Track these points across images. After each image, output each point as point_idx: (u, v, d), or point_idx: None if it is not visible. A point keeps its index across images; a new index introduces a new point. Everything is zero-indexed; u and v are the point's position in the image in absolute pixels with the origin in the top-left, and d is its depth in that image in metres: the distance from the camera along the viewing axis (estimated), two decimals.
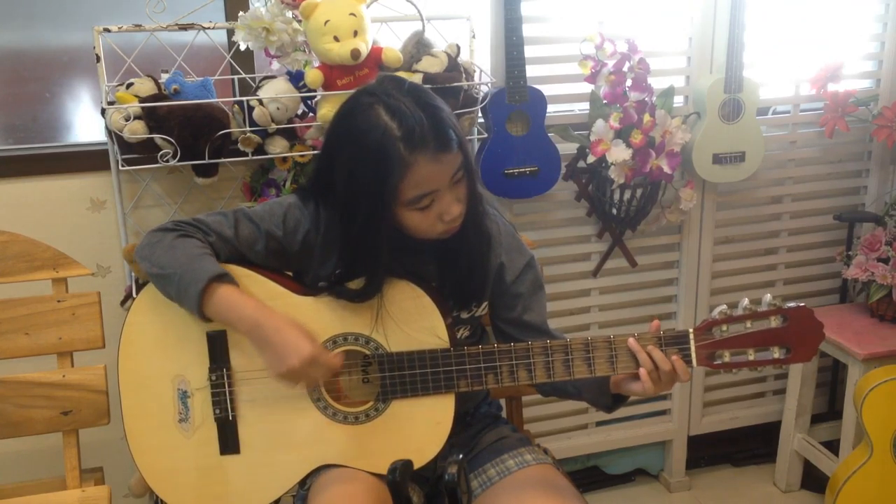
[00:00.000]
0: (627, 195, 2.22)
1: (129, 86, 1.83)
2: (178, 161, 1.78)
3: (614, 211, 2.27)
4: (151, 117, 1.78)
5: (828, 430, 2.63)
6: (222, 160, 1.87)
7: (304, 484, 1.43)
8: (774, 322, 1.33)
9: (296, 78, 1.88)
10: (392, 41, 1.98)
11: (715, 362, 1.34)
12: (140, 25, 1.87)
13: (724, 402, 2.68)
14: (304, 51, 1.89)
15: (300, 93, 1.87)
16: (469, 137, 2.13)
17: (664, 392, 1.37)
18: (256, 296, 1.39)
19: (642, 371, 1.31)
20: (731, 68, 2.23)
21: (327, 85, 1.83)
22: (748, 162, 2.34)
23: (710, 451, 2.72)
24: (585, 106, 2.23)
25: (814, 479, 2.58)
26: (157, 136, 1.78)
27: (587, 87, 2.19)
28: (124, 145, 1.81)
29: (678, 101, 2.33)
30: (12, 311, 1.68)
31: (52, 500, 1.63)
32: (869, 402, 2.15)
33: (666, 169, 2.17)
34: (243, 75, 1.99)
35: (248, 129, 1.84)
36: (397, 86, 1.30)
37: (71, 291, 1.71)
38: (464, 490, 1.24)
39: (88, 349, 1.70)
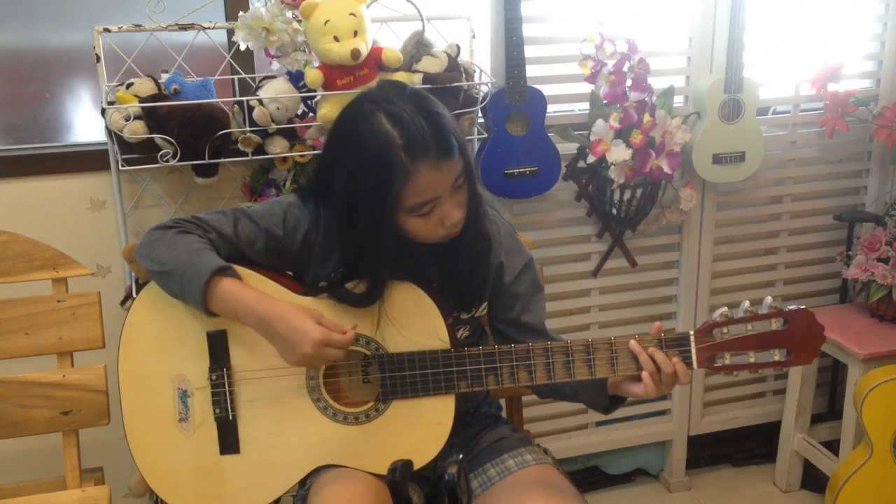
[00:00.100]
0: (627, 195, 2.22)
1: (129, 86, 1.83)
2: (178, 161, 1.78)
3: (614, 211, 2.27)
4: (151, 117, 1.78)
5: (828, 430, 2.63)
6: (222, 160, 1.87)
7: (304, 484, 1.43)
8: (775, 324, 1.33)
9: (296, 78, 1.88)
10: (392, 41, 1.98)
11: (715, 364, 1.34)
12: (140, 25, 1.87)
13: (724, 402, 2.68)
14: (304, 51, 1.89)
15: (300, 93, 1.87)
16: (469, 137, 2.13)
17: (664, 394, 1.37)
18: None
19: (644, 373, 1.31)
20: (731, 68, 2.23)
21: (327, 85, 1.83)
22: (748, 162, 2.34)
23: (710, 451, 2.72)
24: (585, 106, 2.23)
25: (814, 479, 2.58)
26: (157, 136, 1.78)
27: (587, 87, 2.19)
28: (124, 145, 1.81)
29: (678, 101, 2.33)
30: (12, 311, 1.68)
31: (52, 500, 1.63)
32: (869, 402, 2.15)
33: (666, 169, 2.17)
34: (243, 75, 1.99)
35: (248, 129, 1.84)
36: (398, 92, 1.30)
37: (71, 291, 1.71)
38: (464, 490, 1.24)
39: (88, 349, 1.70)
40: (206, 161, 1.82)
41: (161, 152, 1.79)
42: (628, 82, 2.14)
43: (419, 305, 1.38)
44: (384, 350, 1.39)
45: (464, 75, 1.94)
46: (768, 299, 1.33)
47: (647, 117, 2.12)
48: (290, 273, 1.48)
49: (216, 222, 1.40)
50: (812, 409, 2.56)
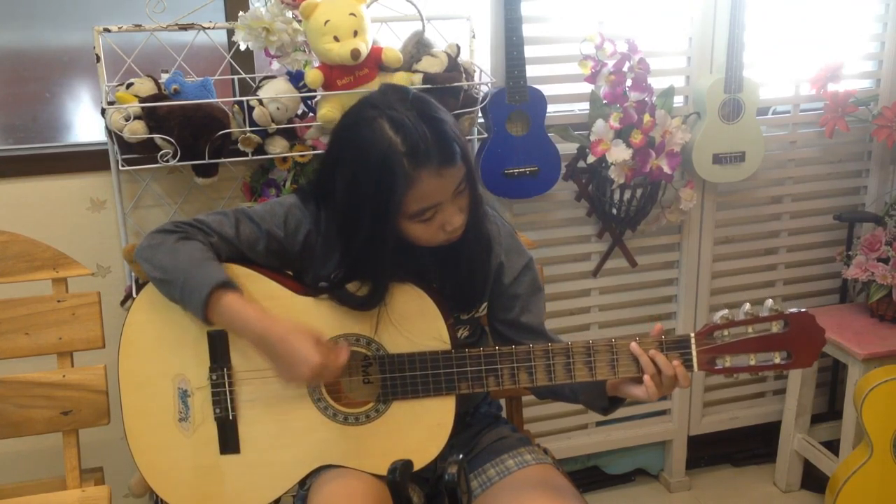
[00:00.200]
0: (627, 195, 2.22)
1: (129, 86, 1.83)
2: (178, 161, 1.78)
3: (614, 211, 2.27)
4: (151, 117, 1.78)
5: (828, 430, 2.63)
6: (222, 160, 1.87)
7: (304, 484, 1.43)
8: (776, 327, 1.33)
9: (296, 78, 1.88)
10: (392, 41, 1.98)
11: (716, 367, 1.34)
12: (140, 25, 1.87)
13: (724, 402, 2.68)
14: (304, 51, 1.89)
15: (300, 93, 1.87)
16: (469, 137, 2.13)
17: (664, 395, 1.37)
18: (257, 295, 1.39)
19: (646, 376, 1.31)
20: (731, 68, 2.23)
21: (327, 85, 1.83)
22: (748, 162, 2.34)
23: (710, 451, 2.72)
24: (585, 106, 2.23)
25: (814, 479, 2.58)
26: (157, 136, 1.78)
27: (587, 87, 2.19)
28: (124, 145, 1.81)
29: (678, 101, 2.33)
30: (12, 311, 1.68)
31: (52, 500, 1.63)
32: (869, 402, 2.15)
33: (666, 169, 2.17)
34: (243, 75, 1.99)
35: (248, 129, 1.84)
36: (401, 98, 1.29)
37: (71, 291, 1.71)
38: (464, 490, 1.24)
39: (88, 349, 1.70)
40: (206, 161, 1.81)
41: (161, 152, 1.79)
42: (628, 82, 2.14)
43: (420, 306, 1.38)
44: (384, 351, 1.39)
45: (464, 75, 1.94)
46: (769, 302, 1.33)
47: (647, 117, 2.12)
48: (290, 273, 1.48)
49: (217, 224, 1.40)
50: (812, 409, 2.56)
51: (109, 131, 1.83)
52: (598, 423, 2.53)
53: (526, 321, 1.50)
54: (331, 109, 1.81)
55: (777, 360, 1.34)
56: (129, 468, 1.52)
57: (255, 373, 1.39)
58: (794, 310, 1.33)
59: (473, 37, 2.06)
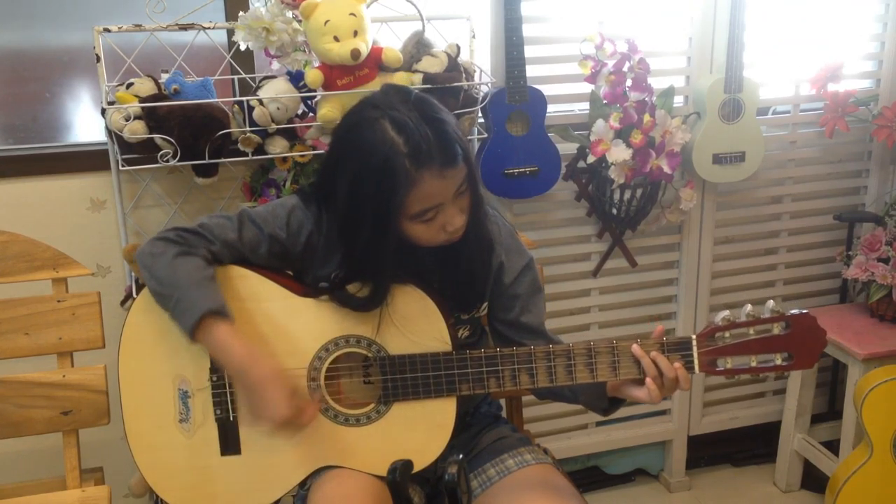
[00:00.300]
0: (627, 195, 2.22)
1: (129, 86, 1.83)
2: (178, 161, 1.78)
3: (614, 211, 2.27)
4: (151, 117, 1.78)
5: (828, 430, 2.63)
6: (222, 160, 1.87)
7: (305, 484, 1.43)
8: (777, 329, 1.33)
9: (296, 78, 1.88)
10: (392, 41, 1.98)
11: (717, 368, 1.34)
12: (140, 25, 1.87)
13: (724, 402, 2.68)
14: (304, 51, 1.89)
15: (300, 93, 1.87)
16: (469, 137, 2.13)
17: (666, 397, 1.37)
18: (258, 297, 1.39)
19: (648, 379, 1.31)
20: (731, 68, 2.23)
21: (327, 85, 1.83)
22: (748, 162, 2.34)
23: (710, 451, 2.72)
24: (585, 106, 2.23)
25: (814, 479, 2.58)
26: (157, 136, 1.78)
27: (587, 87, 2.19)
28: (124, 145, 1.81)
29: (678, 101, 2.33)
30: (12, 311, 1.68)
31: (52, 500, 1.64)
32: (869, 402, 2.15)
33: (666, 169, 2.17)
34: (243, 75, 1.99)
35: (248, 129, 1.84)
36: (403, 98, 1.29)
37: (71, 291, 1.71)
38: (464, 490, 1.24)
39: (88, 349, 1.70)
40: (206, 161, 1.81)
41: (161, 152, 1.79)
42: (628, 82, 2.14)
43: (421, 307, 1.38)
44: (385, 352, 1.39)
45: (464, 75, 1.94)
46: (770, 303, 1.33)
47: (647, 117, 2.12)
48: (290, 273, 1.48)
49: (219, 229, 1.39)
50: (812, 409, 2.56)
51: (109, 131, 1.83)
52: (598, 423, 2.53)
53: (526, 321, 1.49)
54: (331, 109, 1.81)
55: (778, 362, 1.34)
56: (129, 468, 1.52)
57: None
58: (795, 311, 1.33)
59: (473, 37, 2.06)
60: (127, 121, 1.76)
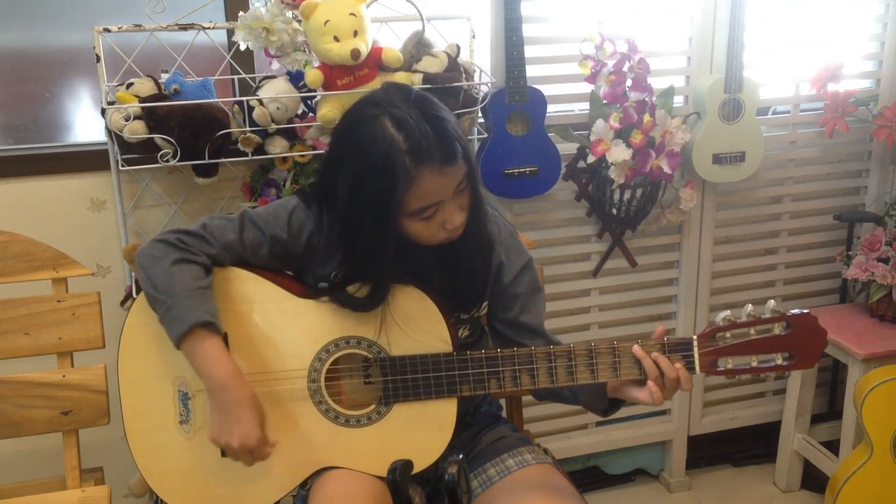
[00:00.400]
0: (627, 195, 2.22)
1: (129, 86, 1.83)
2: (178, 161, 1.78)
3: (614, 211, 2.27)
4: (151, 117, 1.78)
5: (828, 430, 2.63)
6: (222, 160, 1.87)
7: (305, 484, 1.43)
8: (778, 329, 1.33)
9: (296, 78, 1.88)
10: (392, 41, 1.98)
11: (718, 368, 1.34)
12: (140, 25, 1.87)
13: (724, 402, 2.68)
14: (304, 51, 1.89)
15: (300, 93, 1.87)
16: (469, 137, 2.13)
17: (667, 398, 1.36)
18: (258, 299, 1.39)
19: (649, 381, 1.31)
20: (731, 68, 2.23)
21: (327, 85, 1.83)
22: (748, 162, 2.34)
23: (710, 451, 2.72)
24: (585, 106, 2.23)
25: (814, 479, 2.58)
26: (157, 136, 1.78)
27: (587, 87, 2.19)
28: (124, 145, 1.81)
29: (678, 101, 2.33)
30: (12, 311, 1.68)
31: (52, 500, 1.64)
32: (869, 402, 2.15)
33: (666, 169, 2.17)
34: (243, 75, 1.99)
35: (248, 129, 1.84)
36: (403, 96, 1.29)
37: (71, 291, 1.71)
38: (464, 490, 1.24)
39: (88, 349, 1.70)
40: (206, 161, 1.81)
41: (161, 152, 1.79)
42: (628, 82, 2.14)
43: (422, 307, 1.38)
44: (386, 353, 1.39)
45: (464, 75, 1.94)
46: (771, 303, 1.33)
47: (647, 117, 2.12)
48: (291, 274, 1.48)
49: (221, 231, 1.39)
50: (812, 409, 2.56)
51: (109, 131, 1.82)
52: (598, 424, 2.53)
53: (525, 321, 1.49)
54: (331, 109, 1.81)
55: (779, 362, 1.34)
56: (129, 468, 1.52)
57: (255, 375, 1.39)
58: (796, 311, 1.33)
59: (473, 37, 2.06)
60: (127, 121, 1.76)
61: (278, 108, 1.84)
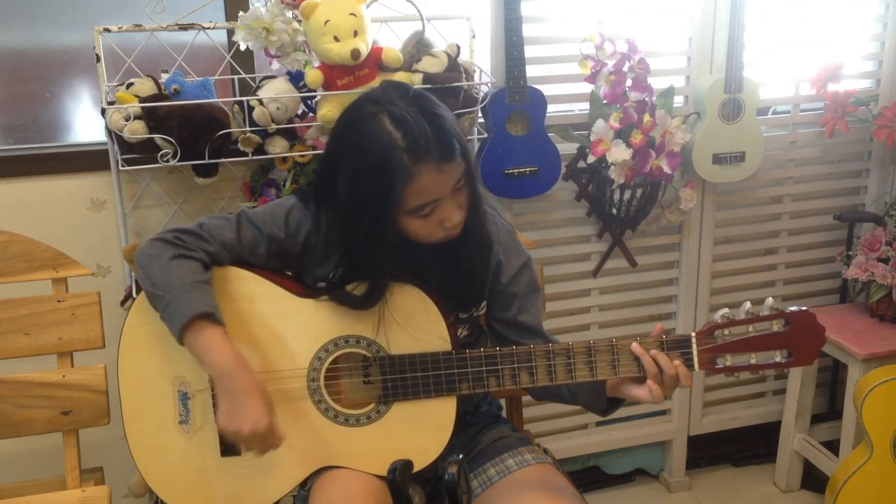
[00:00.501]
0: (627, 195, 2.22)
1: (129, 86, 1.83)
2: (178, 161, 1.78)
3: (614, 211, 2.27)
4: (151, 117, 1.78)
5: (828, 430, 2.63)
6: (222, 160, 1.87)
7: (305, 484, 1.43)
8: (776, 326, 1.33)
9: (296, 78, 1.88)
10: (392, 41, 1.98)
11: (717, 366, 1.34)
12: (140, 25, 1.87)
13: (724, 402, 2.68)
14: (304, 51, 1.89)
15: (300, 93, 1.87)
16: (469, 137, 2.13)
17: (667, 396, 1.36)
18: (257, 298, 1.39)
19: (649, 379, 1.31)
20: (731, 68, 2.23)
21: (327, 85, 1.83)
22: (748, 162, 2.34)
23: (710, 451, 2.72)
24: (585, 106, 2.23)
25: (814, 479, 2.58)
26: (157, 136, 1.78)
27: (587, 87, 2.19)
28: (124, 145, 1.81)
29: (678, 101, 2.33)
30: (12, 311, 1.68)
31: (52, 500, 1.63)
32: (869, 402, 2.15)
33: (666, 169, 2.17)
34: (243, 75, 1.99)
35: (248, 129, 1.84)
36: (402, 94, 1.30)
37: (71, 291, 1.71)
38: (464, 490, 1.24)
39: (88, 349, 1.70)
40: (206, 161, 1.81)
41: (161, 152, 1.79)
42: (628, 82, 2.14)
43: (421, 306, 1.38)
44: (385, 352, 1.39)
45: (464, 75, 1.94)
46: (769, 300, 1.33)
47: (647, 117, 2.12)
48: (290, 273, 1.48)
49: (218, 230, 1.39)
50: (812, 409, 2.56)
51: (109, 131, 1.83)
52: (598, 423, 2.53)
53: (523, 320, 1.49)
54: (331, 109, 1.81)
55: (778, 359, 1.34)
56: (129, 468, 1.52)
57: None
58: (794, 308, 1.33)
59: (473, 37, 2.06)
60: (127, 121, 1.76)
61: (278, 108, 1.84)
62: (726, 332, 1.33)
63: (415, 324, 1.38)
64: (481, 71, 2.04)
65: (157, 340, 1.40)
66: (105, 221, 2.07)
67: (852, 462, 2.23)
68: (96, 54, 1.85)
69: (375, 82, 1.84)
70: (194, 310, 1.29)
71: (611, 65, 2.12)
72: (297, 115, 1.92)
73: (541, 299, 1.54)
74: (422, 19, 1.96)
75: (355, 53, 1.76)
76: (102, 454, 2.00)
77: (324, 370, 1.40)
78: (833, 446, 2.47)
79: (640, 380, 1.34)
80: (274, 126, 1.86)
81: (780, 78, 2.42)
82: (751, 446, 2.74)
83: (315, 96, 1.88)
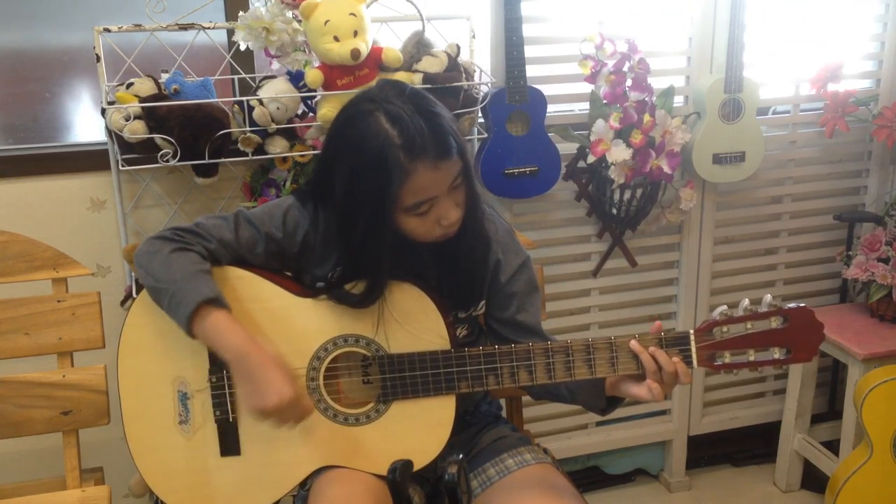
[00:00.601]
0: (627, 195, 2.22)
1: (129, 86, 1.83)
2: (178, 161, 1.78)
3: (614, 211, 2.27)
4: (151, 117, 1.78)
5: (828, 430, 2.63)
6: (222, 160, 1.87)
7: (305, 484, 1.43)
8: (775, 323, 1.33)
9: (296, 78, 1.88)
10: (392, 41, 1.98)
11: (715, 363, 1.34)
12: (140, 25, 1.87)
13: (724, 402, 2.68)
14: (304, 51, 1.89)
15: (300, 93, 1.87)
16: (469, 137, 2.13)
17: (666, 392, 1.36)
18: (256, 297, 1.39)
19: (648, 377, 1.31)
20: (731, 68, 2.23)
21: (327, 85, 1.83)
22: (748, 162, 2.34)
23: (710, 451, 2.72)
24: (585, 106, 2.23)
25: (814, 479, 2.58)
26: (157, 136, 1.78)
27: (587, 87, 2.19)
28: (124, 145, 1.81)
29: (678, 101, 2.33)
30: (12, 311, 1.68)
31: (52, 500, 1.63)
32: (869, 402, 2.15)
33: (666, 169, 2.17)
34: (243, 75, 1.99)
35: (248, 129, 1.84)
36: (398, 92, 1.30)
37: (71, 291, 1.71)
38: (464, 490, 1.24)
39: (88, 349, 1.70)
40: (206, 161, 1.81)
41: (161, 152, 1.79)
42: (628, 82, 2.14)
43: (420, 306, 1.39)
44: (384, 351, 1.39)
45: (464, 75, 1.94)
46: (768, 297, 1.33)
47: (647, 117, 2.12)
48: (289, 273, 1.48)
49: (216, 229, 1.39)
50: (812, 409, 2.56)
51: (109, 131, 1.83)
52: (598, 423, 2.53)
53: (522, 320, 1.49)
54: (331, 109, 1.81)
55: (776, 356, 1.34)
56: (129, 468, 1.51)
57: None
58: (792, 305, 1.33)
59: (473, 37, 2.06)
60: (127, 121, 1.76)
61: (278, 108, 1.84)
62: (725, 329, 1.33)
63: (414, 322, 1.38)
64: (481, 71, 2.04)
65: (156, 341, 1.40)
66: (105, 221, 2.07)
67: (852, 462, 2.23)
68: (96, 54, 1.85)
69: (375, 82, 1.84)
70: (200, 296, 1.28)
71: (611, 65, 2.12)
72: (297, 115, 1.92)
73: (539, 299, 1.54)
74: (422, 19, 1.96)
75: (355, 53, 1.76)
76: (102, 454, 2.00)
77: (323, 369, 1.40)
78: (833, 446, 2.47)
79: (639, 378, 1.34)
80: (274, 126, 1.86)
81: (780, 78, 2.42)
82: (751, 446, 2.74)
83: (315, 96, 1.89)
